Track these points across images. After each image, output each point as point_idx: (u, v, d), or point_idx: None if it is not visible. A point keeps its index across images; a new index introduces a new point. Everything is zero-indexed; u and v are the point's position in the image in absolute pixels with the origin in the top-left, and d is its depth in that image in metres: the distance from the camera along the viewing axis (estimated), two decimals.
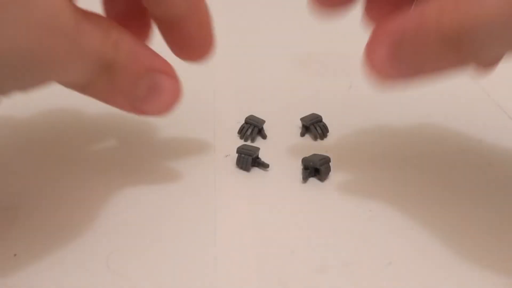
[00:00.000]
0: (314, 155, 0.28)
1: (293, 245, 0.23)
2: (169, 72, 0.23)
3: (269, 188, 0.27)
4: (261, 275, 0.22)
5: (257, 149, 0.28)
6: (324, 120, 0.31)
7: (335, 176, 0.27)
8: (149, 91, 0.23)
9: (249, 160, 0.28)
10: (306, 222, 0.25)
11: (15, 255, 0.22)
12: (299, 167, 0.28)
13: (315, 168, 0.27)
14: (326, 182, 0.27)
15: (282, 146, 0.29)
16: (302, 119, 0.31)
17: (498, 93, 0.36)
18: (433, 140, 0.31)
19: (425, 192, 0.27)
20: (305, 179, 0.27)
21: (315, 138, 0.31)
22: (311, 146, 0.30)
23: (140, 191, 0.26)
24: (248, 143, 0.30)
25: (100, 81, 0.21)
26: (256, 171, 0.28)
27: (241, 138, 0.31)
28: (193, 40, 0.24)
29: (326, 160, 0.27)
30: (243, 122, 0.31)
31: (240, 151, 0.28)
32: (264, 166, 0.28)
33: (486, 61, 0.21)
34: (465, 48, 0.19)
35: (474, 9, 0.18)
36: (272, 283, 0.21)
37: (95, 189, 0.26)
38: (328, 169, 0.27)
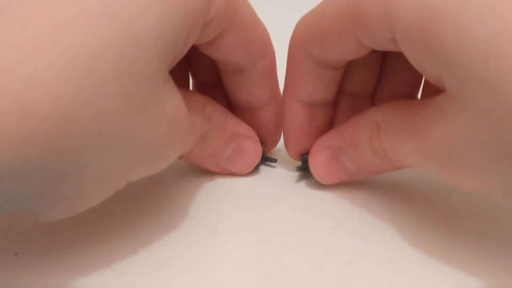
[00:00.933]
0: None
1: (293, 245, 0.23)
2: (251, 136, 0.26)
3: (269, 188, 0.27)
4: (261, 275, 0.22)
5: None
6: None
7: None
8: (233, 153, 0.26)
9: None
10: (305, 221, 0.25)
11: (16, 254, 0.22)
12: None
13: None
14: None
15: (282, 146, 0.29)
16: None
17: None
18: None
19: (425, 191, 0.27)
20: (299, 178, 0.27)
21: None
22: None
23: (140, 191, 0.26)
24: None
25: (195, 149, 0.24)
26: (256, 171, 0.28)
27: None
28: (266, 128, 0.27)
29: None
30: None
31: None
32: (271, 161, 0.28)
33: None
34: (394, 160, 0.23)
35: (388, 144, 0.22)
36: (272, 283, 0.21)
37: None
38: None
